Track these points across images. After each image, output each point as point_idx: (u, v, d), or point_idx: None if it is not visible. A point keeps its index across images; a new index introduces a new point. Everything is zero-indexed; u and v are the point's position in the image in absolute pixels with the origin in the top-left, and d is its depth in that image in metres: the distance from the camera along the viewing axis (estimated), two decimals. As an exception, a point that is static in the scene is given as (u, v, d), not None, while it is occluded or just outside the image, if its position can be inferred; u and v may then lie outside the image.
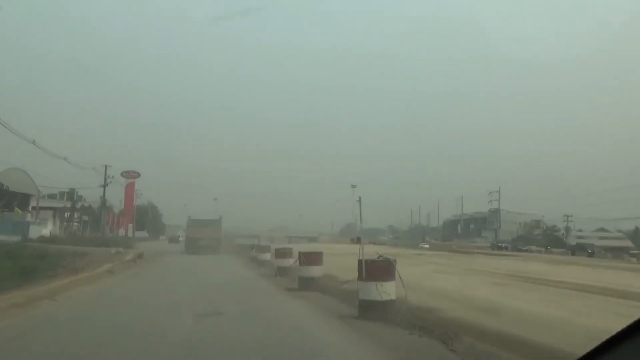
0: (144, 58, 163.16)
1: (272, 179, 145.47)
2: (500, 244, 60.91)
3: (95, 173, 58.27)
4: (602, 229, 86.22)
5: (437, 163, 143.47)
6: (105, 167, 59.03)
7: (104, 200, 59.73)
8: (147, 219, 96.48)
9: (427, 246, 59.75)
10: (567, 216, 74.93)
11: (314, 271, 12.41)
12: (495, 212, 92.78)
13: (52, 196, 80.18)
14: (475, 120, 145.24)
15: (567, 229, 75.60)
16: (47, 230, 60.67)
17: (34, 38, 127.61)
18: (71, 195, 61.54)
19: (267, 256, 21.91)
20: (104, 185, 58.79)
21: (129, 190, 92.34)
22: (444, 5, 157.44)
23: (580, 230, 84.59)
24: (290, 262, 16.50)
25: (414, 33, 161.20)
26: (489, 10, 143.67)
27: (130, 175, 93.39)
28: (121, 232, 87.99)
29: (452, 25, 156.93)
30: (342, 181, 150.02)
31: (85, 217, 79.62)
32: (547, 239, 75.14)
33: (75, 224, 79.85)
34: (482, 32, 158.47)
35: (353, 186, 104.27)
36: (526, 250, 54.46)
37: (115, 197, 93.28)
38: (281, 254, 16.83)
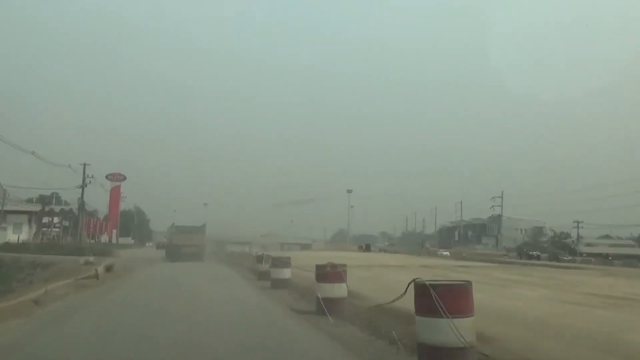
0: (138, 59, 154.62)
1: (263, 185, 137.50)
2: (531, 253, 51.38)
3: (73, 173, 49.86)
4: (607, 236, 79.89)
5: (432, 170, 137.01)
6: (84, 165, 50.66)
7: (82, 202, 51.34)
8: (133, 224, 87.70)
9: (446, 253, 52.25)
10: (578, 222, 68.23)
11: (466, 328, 4.71)
12: (496, 218, 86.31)
13: (30, 200, 71.83)
14: (474, 129, 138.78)
15: (578, 236, 68.79)
16: (17, 236, 52.94)
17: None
18: (43, 198, 52.67)
19: (287, 273, 14.25)
20: (82, 186, 50.34)
21: (114, 193, 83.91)
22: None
23: (581, 238, 78.15)
24: (343, 289, 8.90)
25: (420, 52, 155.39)
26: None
27: (116, 177, 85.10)
28: (104, 238, 79.28)
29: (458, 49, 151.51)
30: (334, 187, 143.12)
31: (66, 223, 71.02)
32: (556, 247, 68.27)
33: (56, 229, 71.74)
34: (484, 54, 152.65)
35: (349, 191, 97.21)
36: (569, 260, 45.00)
37: (101, 202, 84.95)
38: (329, 276, 9.08)
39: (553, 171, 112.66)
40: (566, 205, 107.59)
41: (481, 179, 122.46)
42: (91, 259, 28.99)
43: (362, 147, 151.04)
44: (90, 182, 51.05)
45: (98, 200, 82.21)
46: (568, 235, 70.91)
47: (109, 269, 21.50)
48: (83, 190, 50.35)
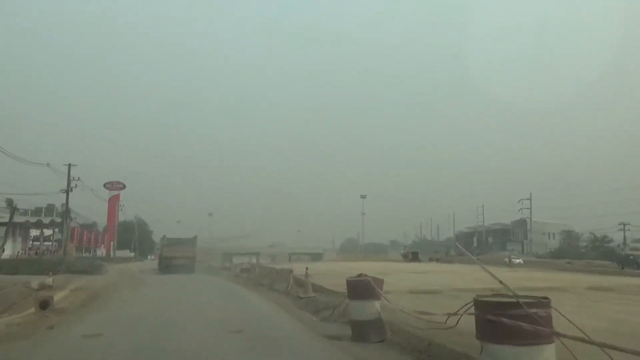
0: (139, 65, 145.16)
1: (269, 195, 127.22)
2: None
3: (54, 175, 39.49)
4: (642, 240, 69.33)
5: (445, 176, 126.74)
6: (69, 165, 40.48)
7: (66, 209, 41.06)
8: (133, 236, 76.94)
9: (519, 261, 41.62)
10: (624, 224, 58.04)
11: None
12: (521, 223, 76.15)
13: (29, 213, 61.43)
14: (483, 135, 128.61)
15: (625, 240, 58.50)
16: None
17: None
18: (11, 203, 42.11)
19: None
20: (67, 190, 40.03)
21: (112, 203, 73.52)
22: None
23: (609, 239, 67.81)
24: None
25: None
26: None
27: (114, 186, 74.89)
28: (100, 251, 68.60)
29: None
30: (343, 195, 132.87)
31: (60, 236, 60.40)
32: (598, 252, 57.92)
33: (48, 242, 61.54)
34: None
35: (362, 196, 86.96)
36: None
37: (101, 214, 74.66)
38: None
39: (573, 172, 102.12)
40: (592, 208, 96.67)
41: (498, 182, 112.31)
42: (50, 280, 18.73)
43: (369, 152, 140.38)
44: (76, 185, 40.64)
45: (97, 211, 72.17)
46: (610, 239, 60.53)
47: (45, 305, 11.31)
48: (68, 194, 40.19)
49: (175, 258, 34.17)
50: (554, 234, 75.39)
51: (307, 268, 13.16)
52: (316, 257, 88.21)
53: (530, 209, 69.70)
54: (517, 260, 41.38)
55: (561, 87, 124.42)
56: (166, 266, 33.94)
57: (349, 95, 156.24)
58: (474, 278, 14.96)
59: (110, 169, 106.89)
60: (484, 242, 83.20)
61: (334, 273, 18.67)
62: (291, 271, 14.63)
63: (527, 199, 69.65)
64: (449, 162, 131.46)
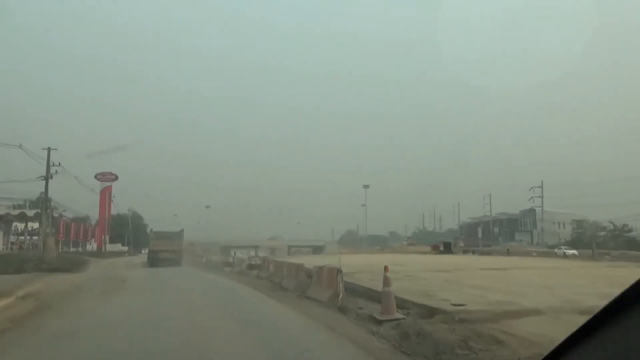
0: (138, 61, 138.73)
1: (268, 187, 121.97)
2: None
3: (30, 160, 33.86)
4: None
5: (447, 168, 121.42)
6: (49, 149, 34.93)
7: (45, 198, 35.50)
8: (126, 229, 71.33)
9: (572, 252, 36.94)
10: (646, 212, 53.37)
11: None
12: (530, 212, 71.46)
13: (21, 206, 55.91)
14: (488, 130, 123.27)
15: (647, 228, 53.92)
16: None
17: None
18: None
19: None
20: (46, 178, 34.50)
21: (104, 195, 67.91)
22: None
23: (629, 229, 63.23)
24: None
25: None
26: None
27: (106, 177, 69.25)
28: (91, 245, 63.06)
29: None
30: (342, 188, 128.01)
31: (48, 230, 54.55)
32: (617, 242, 53.21)
33: (38, 236, 56.17)
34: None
35: (365, 186, 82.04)
36: None
37: (93, 207, 69.21)
38: None
39: (578, 164, 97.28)
40: (601, 197, 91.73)
41: (500, 174, 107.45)
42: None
43: (369, 145, 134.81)
44: (56, 171, 35.18)
45: (90, 205, 66.75)
46: (630, 229, 55.91)
47: None
48: (47, 181, 34.68)
49: (162, 252, 33.66)
50: (564, 223, 70.82)
51: (386, 267, 7.43)
52: (317, 249, 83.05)
53: (542, 197, 64.92)
54: (570, 252, 36.65)
55: (554, 78, 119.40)
56: (153, 260, 33.61)
57: (348, 88, 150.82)
58: (597, 277, 9.83)
59: (106, 163, 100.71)
60: (490, 232, 78.44)
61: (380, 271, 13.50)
62: (340, 271, 9.37)
63: (539, 187, 64.87)
64: (451, 156, 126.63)
